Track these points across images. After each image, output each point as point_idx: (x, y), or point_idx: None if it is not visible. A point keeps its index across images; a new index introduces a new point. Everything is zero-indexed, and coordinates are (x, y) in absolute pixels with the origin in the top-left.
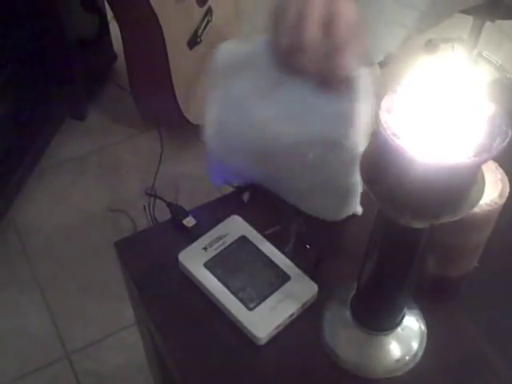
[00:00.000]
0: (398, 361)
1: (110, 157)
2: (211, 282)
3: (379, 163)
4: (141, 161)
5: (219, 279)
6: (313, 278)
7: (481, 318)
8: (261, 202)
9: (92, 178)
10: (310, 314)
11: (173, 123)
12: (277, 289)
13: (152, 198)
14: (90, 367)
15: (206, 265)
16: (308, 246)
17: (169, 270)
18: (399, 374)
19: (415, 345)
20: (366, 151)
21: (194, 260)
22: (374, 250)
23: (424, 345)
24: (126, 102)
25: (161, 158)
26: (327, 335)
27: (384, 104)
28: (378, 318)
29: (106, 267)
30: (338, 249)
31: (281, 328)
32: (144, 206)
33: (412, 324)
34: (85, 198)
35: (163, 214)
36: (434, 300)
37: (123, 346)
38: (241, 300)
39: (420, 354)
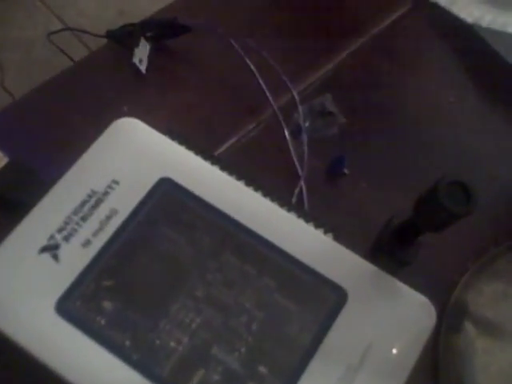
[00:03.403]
0: None
1: None
2: (89, 364)
3: None
4: None
5: (116, 348)
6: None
7: None
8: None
9: None
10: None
11: None
12: (316, 345)
13: None
14: None
15: (61, 305)
16: (346, 171)
17: None
18: None
19: None
20: None
21: (22, 292)
22: None
23: None
24: None
25: None
26: None
27: None
28: None
29: None
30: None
31: None
32: None
33: None
34: None
35: None
36: None
37: None
38: None
39: None
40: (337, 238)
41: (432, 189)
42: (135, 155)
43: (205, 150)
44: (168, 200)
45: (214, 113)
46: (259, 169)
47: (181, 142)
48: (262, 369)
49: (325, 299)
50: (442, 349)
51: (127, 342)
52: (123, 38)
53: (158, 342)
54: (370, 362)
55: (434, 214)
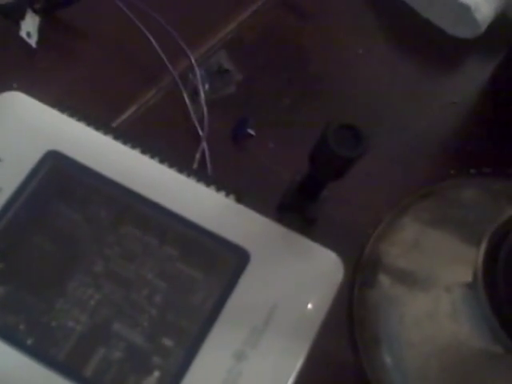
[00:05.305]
0: None
1: None
2: None
3: None
4: None
5: (8, 333)
6: (308, 229)
7: None
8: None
9: None
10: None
11: None
12: (218, 310)
13: None
14: None
15: None
16: (252, 132)
17: None
18: None
19: None
20: None
21: None
22: None
23: None
24: None
25: None
26: None
27: None
28: None
29: None
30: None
31: None
32: None
33: None
34: None
35: None
36: None
37: None
38: None
39: None
40: (240, 200)
41: (321, 135)
42: (19, 130)
43: (97, 121)
44: (57, 173)
45: (112, 83)
46: (161, 136)
47: (71, 114)
48: (167, 341)
49: (227, 263)
50: (356, 304)
51: (21, 327)
52: (12, 13)
53: (54, 323)
54: (275, 323)
55: (325, 161)
